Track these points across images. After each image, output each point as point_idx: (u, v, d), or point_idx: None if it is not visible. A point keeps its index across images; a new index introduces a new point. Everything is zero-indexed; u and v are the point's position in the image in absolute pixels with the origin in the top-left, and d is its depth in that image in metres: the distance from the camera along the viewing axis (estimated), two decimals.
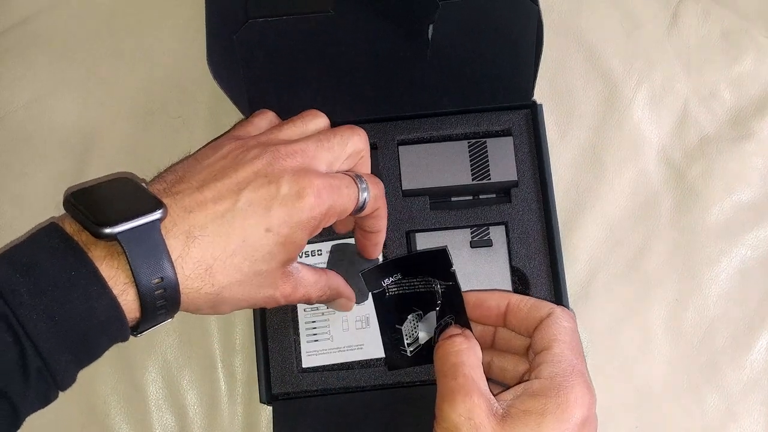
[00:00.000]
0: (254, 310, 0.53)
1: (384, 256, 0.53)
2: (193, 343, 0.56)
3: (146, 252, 0.34)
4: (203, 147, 0.43)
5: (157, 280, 0.34)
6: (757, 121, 0.59)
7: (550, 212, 0.53)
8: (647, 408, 0.54)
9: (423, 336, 0.46)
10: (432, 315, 0.46)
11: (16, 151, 0.59)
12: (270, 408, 0.53)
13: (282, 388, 0.52)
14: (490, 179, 0.54)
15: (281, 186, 0.38)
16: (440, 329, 0.45)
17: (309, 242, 0.53)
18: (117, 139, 0.59)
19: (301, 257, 0.54)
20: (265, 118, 0.45)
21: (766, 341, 0.55)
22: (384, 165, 0.55)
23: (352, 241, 0.52)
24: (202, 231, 0.36)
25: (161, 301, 0.35)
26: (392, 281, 0.47)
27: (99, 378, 0.55)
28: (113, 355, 0.55)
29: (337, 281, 0.47)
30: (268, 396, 0.51)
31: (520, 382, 0.40)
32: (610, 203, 0.57)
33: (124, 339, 0.36)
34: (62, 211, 0.57)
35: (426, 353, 0.46)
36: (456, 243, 0.53)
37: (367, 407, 0.51)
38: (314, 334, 0.53)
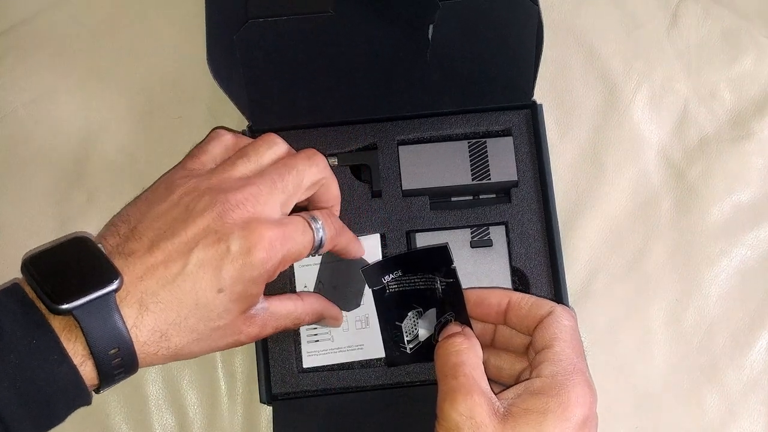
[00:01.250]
0: None
1: (384, 254, 0.53)
2: None
3: (102, 324, 0.35)
4: (157, 181, 0.43)
5: (114, 350, 0.35)
6: (757, 121, 0.59)
7: (550, 212, 0.53)
8: (647, 408, 0.54)
9: (423, 333, 0.46)
10: (432, 312, 0.46)
11: (16, 151, 0.59)
12: (270, 408, 0.53)
13: (282, 388, 0.52)
14: (490, 179, 0.54)
15: (231, 243, 0.38)
16: (440, 326, 0.45)
17: None
18: (117, 139, 0.59)
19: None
20: (220, 144, 0.43)
21: (766, 341, 0.55)
22: (384, 165, 0.55)
23: None
24: (154, 298, 0.37)
25: (119, 369, 0.36)
26: (392, 278, 0.47)
27: None
28: None
29: (316, 304, 0.46)
30: (268, 396, 0.51)
31: (517, 381, 0.40)
32: (610, 203, 0.57)
33: (86, 404, 0.37)
34: (62, 210, 0.57)
35: (426, 350, 0.46)
36: (456, 243, 0.53)
37: (367, 407, 0.51)
38: (315, 335, 0.53)
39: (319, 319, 0.47)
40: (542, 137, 0.54)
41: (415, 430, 0.50)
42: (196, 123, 0.59)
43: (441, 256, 0.45)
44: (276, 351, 0.52)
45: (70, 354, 0.35)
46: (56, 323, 0.35)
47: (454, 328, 0.43)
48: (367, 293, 0.52)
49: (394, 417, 0.51)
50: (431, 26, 0.50)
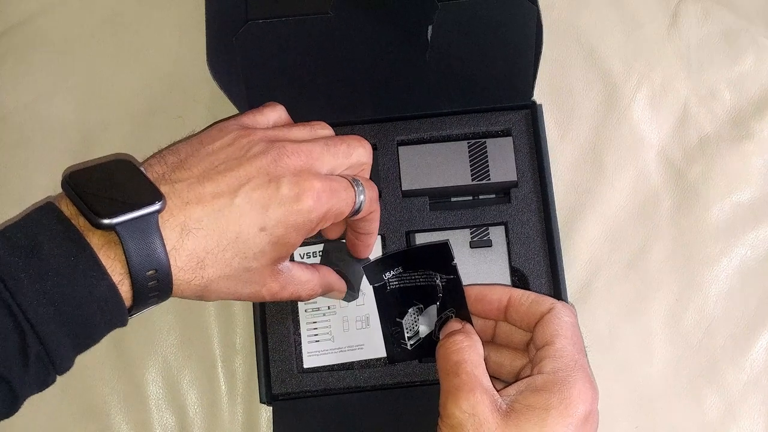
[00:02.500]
0: (254, 310, 0.53)
1: (384, 254, 0.53)
2: (193, 343, 0.56)
3: (143, 244, 0.34)
4: (208, 127, 0.42)
5: (151, 272, 0.35)
6: (757, 121, 0.59)
7: (550, 212, 0.53)
8: (647, 408, 0.54)
9: (424, 330, 0.46)
10: (433, 308, 0.46)
11: (16, 151, 0.59)
12: (270, 408, 0.53)
13: (282, 388, 0.52)
14: (489, 179, 0.54)
15: (281, 186, 0.38)
16: (441, 323, 0.45)
17: (310, 243, 0.53)
18: (117, 139, 0.59)
19: (302, 258, 0.54)
20: (275, 112, 0.44)
21: (766, 341, 0.55)
22: (384, 165, 0.55)
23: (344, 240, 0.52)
24: (197, 224, 0.36)
25: (154, 292, 0.36)
26: (393, 274, 0.47)
27: (99, 378, 0.55)
28: (113, 355, 0.56)
29: (330, 277, 0.47)
30: (268, 396, 0.51)
31: (518, 378, 0.40)
32: (610, 203, 0.57)
33: (123, 325, 0.36)
34: None
35: (427, 346, 0.46)
36: (456, 243, 0.53)
37: (367, 407, 0.51)
38: (315, 335, 0.53)
39: (329, 292, 0.48)
40: (542, 137, 0.54)
41: (416, 430, 0.50)
42: (196, 123, 0.59)
43: (442, 253, 0.44)
44: (276, 351, 0.52)
45: (108, 272, 0.34)
46: (95, 240, 0.34)
47: (454, 325, 0.43)
48: (368, 292, 0.52)
49: (394, 417, 0.51)
50: (431, 26, 0.50)
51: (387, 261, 0.47)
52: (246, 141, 0.40)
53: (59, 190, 0.58)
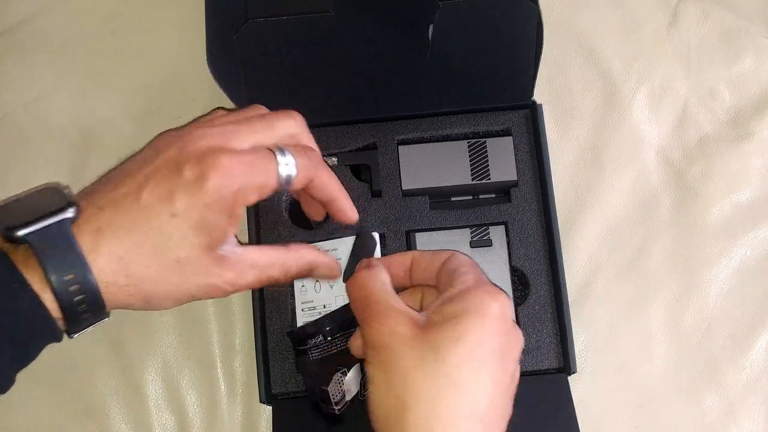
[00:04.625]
0: (254, 310, 0.53)
1: (383, 254, 0.53)
2: (193, 343, 0.56)
3: (57, 251, 0.35)
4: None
5: (70, 276, 0.35)
6: (757, 121, 0.59)
7: (549, 212, 0.53)
8: (647, 408, 0.54)
9: (350, 392, 0.47)
10: (356, 367, 0.47)
11: (16, 151, 0.59)
12: (270, 408, 0.53)
13: (282, 387, 0.52)
14: (489, 179, 0.54)
15: (183, 171, 0.38)
16: (366, 377, 0.46)
17: (317, 242, 0.53)
18: (117, 139, 0.59)
19: None
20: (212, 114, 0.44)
21: (766, 341, 0.55)
22: (384, 165, 0.55)
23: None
24: (110, 225, 0.37)
25: (82, 303, 0.36)
26: (314, 343, 0.48)
27: (99, 378, 0.55)
28: (113, 355, 0.56)
29: (307, 254, 0.44)
30: (268, 396, 0.51)
31: None
32: (610, 203, 0.57)
33: (55, 338, 0.36)
34: None
35: (356, 407, 0.47)
36: (456, 243, 0.53)
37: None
38: None
39: (312, 271, 0.45)
40: (542, 137, 0.54)
41: None
42: None
43: None
44: (276, 351, 0.52)
45: (29, 281, 0.34)
46: (16, 256, 0.35)
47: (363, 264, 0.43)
48: None
49: None
50: (431, 26, 0.50)
51: (309, 328, 0.48)
52: (163, 141, 0.40)
53: None
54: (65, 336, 0.37)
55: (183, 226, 0.37)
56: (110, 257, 0.36)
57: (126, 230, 0.37)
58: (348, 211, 0.46)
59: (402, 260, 0.43)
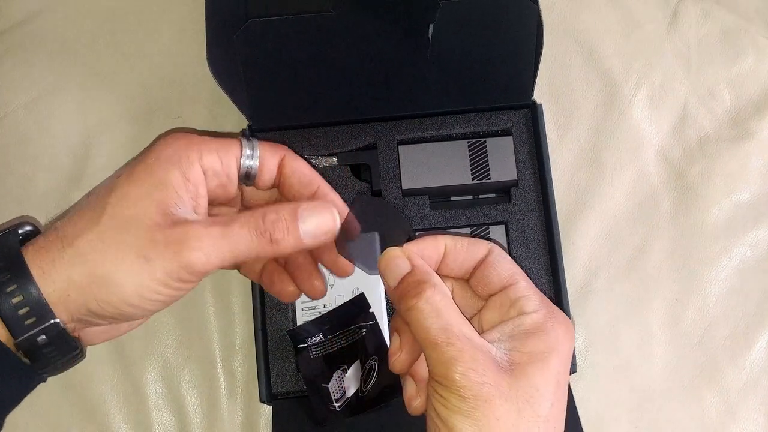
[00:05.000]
0: (254, 310, 0.53)
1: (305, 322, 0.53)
2: (193, 343, 0.56)
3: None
4: None
5: (11, 288, 0.33)
6: (757, 121, 0.59)
7: (549, 212, 0.53)
8: (647, 408, 0.54)
9: (350, 389, 0.48)
10: (356, 365, 0.48)
11: (16, 152, 0.59)
12: (270, 407, 0.53)
13: (282, 387, 0.52)
14: (489, 179, 0.54)
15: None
16: (365, 374, 0.47)
17: None
18: (117, 139, 0.59)
19: None
20: None
21: (766, 341, 0.55)
22: (384, 165, 0.55)
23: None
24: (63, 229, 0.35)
25: (23, 308, 0.33)
26: (315, 342, 0.49)
27: (99, 378, 0.55)
28: (113, 355, 0.56)
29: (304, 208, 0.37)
30: (268, 395, 0.51)
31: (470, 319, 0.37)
32: (610, 203, 0.57)
33: (22, 372, 0.35)
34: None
35: (355, 404, 0.48)
36: None
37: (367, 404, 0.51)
38: None
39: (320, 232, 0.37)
40: (542, 137, 0.54)
41: (415, 429, 0.50)
42: (196, 123, 0.59)
43: (360, 304, 0.48)
44: (276, 351, 0.52)
45: None
46: None
47: (396, 254, 0.36)
48: (367, 290, 0.51)
49: (394, 416, 0.51)
50: (431, 26, 0.50)
51: (309, 327, 0.49)
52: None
53: (59, 189, 0.58)
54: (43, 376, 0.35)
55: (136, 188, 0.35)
56: (48, 241, 0.34)
57: (69, 221, 0.35)
58: (329, 193, 0.41)
59: (435, 250, 0.37)
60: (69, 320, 0.35)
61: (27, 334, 0.33)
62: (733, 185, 0.58)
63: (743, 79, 0.60)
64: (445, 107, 0.55)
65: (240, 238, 0.35)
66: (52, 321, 0.34)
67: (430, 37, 0.50)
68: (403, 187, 0.54)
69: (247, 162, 0.39)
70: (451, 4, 0.48)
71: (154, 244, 0.33)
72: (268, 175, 0.40)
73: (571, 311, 0.52)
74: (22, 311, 0.33)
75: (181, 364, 0.56)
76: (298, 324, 0.52)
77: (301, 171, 0.40)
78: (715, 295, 0.56)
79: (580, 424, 0.50)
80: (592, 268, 0.56)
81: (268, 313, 0.53)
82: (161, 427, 0.55)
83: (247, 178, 0.40)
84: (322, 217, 0.37)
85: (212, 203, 0.39)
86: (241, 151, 0.38)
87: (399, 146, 0.55)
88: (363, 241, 0.39)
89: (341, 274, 0.41)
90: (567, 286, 0.52)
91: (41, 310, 0.33)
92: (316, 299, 0.44)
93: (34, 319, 0.33)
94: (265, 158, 0.39)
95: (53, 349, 0.34)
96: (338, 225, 0.37)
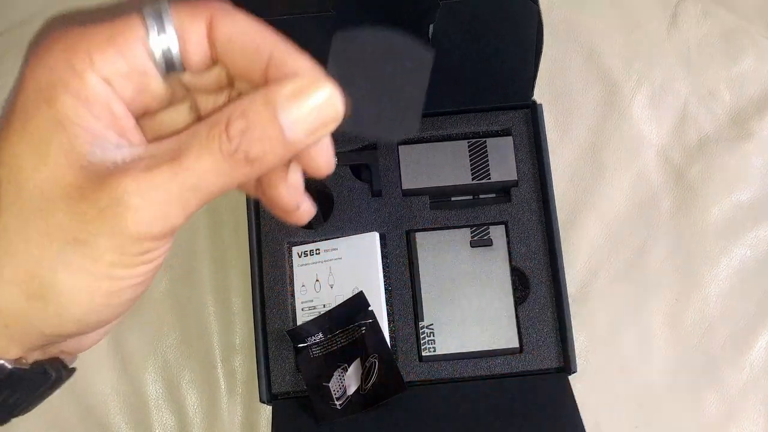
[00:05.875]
0: (254, 310, 0.52)
1: (383, 254, 0.53)
2: (193, 343, 0.56)
3: None
4: None
5: None
6: (757, 121, 0.59)
7: (550, 212, 0.53)
8: (647, 408, 0.54)
9: (351, 387, 0.48)
10: (356, 363, 0.48)
11: None
12: (270, 407, 0.53)
13: (282, 387, 0.52)
14: (490, 179, 0.54)
15: None
16: (366, 372, 0.47)
17: (318, 241, 0.53)
18: None
19: (301, 257, 0.53)
20: None
21: (766, 341, 0.55)
22: (384, 164, 0.55)
23: None
24: None
25: None
26: (315, 341, 0.49)
27: (99, 378, 0.55)
28: (113, 355, 0.56)
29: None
30: (268, 395, 0.51)
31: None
32: (610, 203, 0.57)
33: None
34: None
35: (356, 402, 0.48)
36: (456, 242, 0.53)
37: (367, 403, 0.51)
38: None
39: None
40: (542, 137, 0.54)
41: (415, 429, 0.50)
42: None
43: (359, 302, 0.49)
44: (276, 351, 0.52)
45: None
46: None
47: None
48: (366, 290, 0.51)
49: (394, 416, 0.51)
50: (431, 26, 0.50)
51: (309, 327, 0.50)
52: None
53: None
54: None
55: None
56: None
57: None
58: (290, 57, 0.27)
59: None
60: (26, 351, 0.26)
61: None
62: (733, 185, 0.58)
63: (743, 79, 0.60)
64: (445, 107, 0.55)
65: (201, 173, 0.23)
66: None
67: (430, 37, 0.50)
68: (403, 187, 0.54)
69: (158, 44, 0.25)
70: (451, 4, 0.48)
71: (81, 218, 0.23)
72: (199, 51, 0.26)
73: (571, 311, 0.52)
74: None
75: (181, 364, 0.56)
76: (298, 324, 0.52)
77: (240, 35, 0.26)
78: (715, 296, 0.56)
79: (581, 424, 0.50)
80: (592, 268, 0.56)
81: (268, 313, 0.53)
82: (161, 427, 0.55)
83: (170, 66, 0.26)
84: (314, 98, 0.25)
85: (144, 117, 0.27)
86: (147, 30, 0.25)
87: (399, 146, 0.55)
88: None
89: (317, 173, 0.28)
90: (567, 286, 0.52)
91: None
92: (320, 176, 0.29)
93: None
94: (184, 29, 0.25)
95: (10, 393, 0.26)
96: (342, 103, 0.25)
